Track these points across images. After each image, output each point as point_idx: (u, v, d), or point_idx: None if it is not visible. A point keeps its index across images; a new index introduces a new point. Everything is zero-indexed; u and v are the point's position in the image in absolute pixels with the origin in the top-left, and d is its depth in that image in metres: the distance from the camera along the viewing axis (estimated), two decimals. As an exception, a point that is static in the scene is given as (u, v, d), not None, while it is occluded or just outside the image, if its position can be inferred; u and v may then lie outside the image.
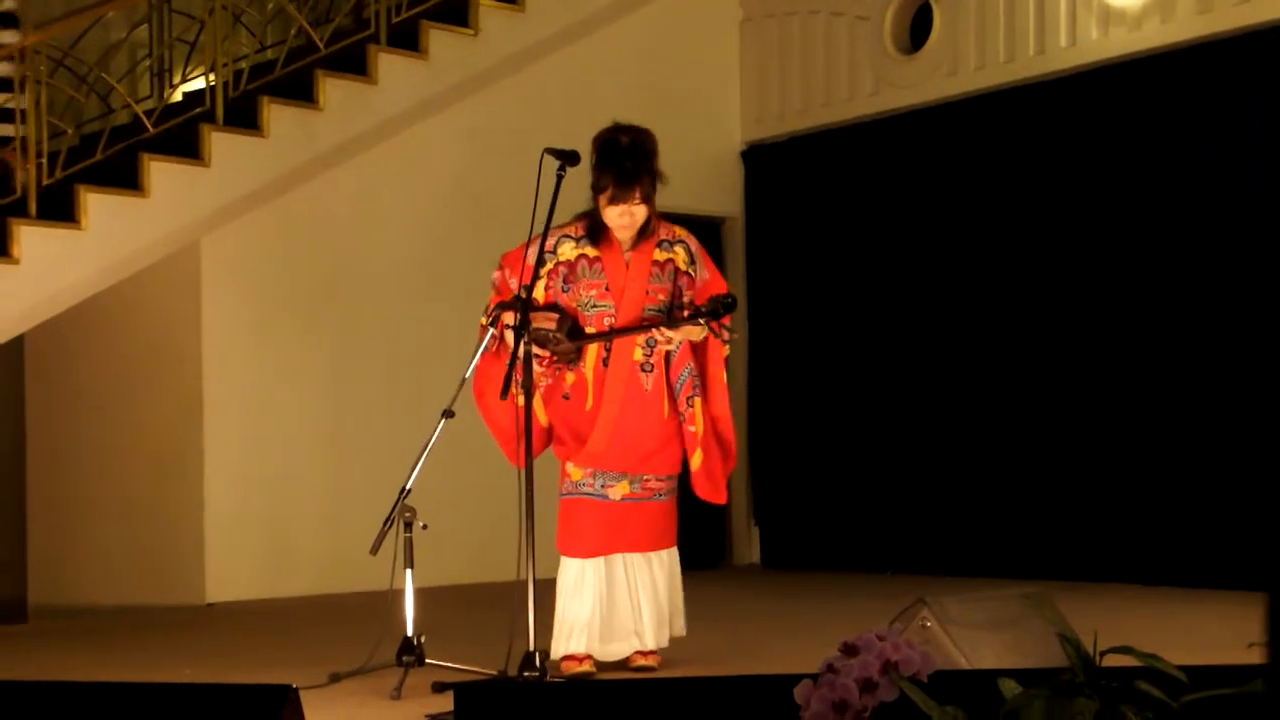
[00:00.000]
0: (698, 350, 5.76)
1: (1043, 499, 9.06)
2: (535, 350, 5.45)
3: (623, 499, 5.66)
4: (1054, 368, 9.06)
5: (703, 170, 10.60)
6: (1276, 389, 8.05)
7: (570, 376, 5.66)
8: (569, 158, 5.47)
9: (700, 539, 10.48)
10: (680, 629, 5.81)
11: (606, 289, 5.64)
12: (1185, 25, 8.55)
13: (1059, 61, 9.11)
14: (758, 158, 10.92)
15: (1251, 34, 8.29)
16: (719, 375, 5.80)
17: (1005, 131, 9.39)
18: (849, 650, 2.33)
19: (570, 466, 5.67)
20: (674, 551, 5.82)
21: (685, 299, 5.70)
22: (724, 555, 10.82)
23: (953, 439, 9.58)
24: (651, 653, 5.67)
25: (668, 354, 5.67)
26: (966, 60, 9.60)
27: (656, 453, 5.68)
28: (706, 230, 10.49)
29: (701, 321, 5.59)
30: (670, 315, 5.64)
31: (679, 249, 5.73)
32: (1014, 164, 9.32)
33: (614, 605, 5.64)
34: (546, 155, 5.37)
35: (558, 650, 5.56)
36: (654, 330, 5.57)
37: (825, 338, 10.38)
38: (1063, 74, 9.10)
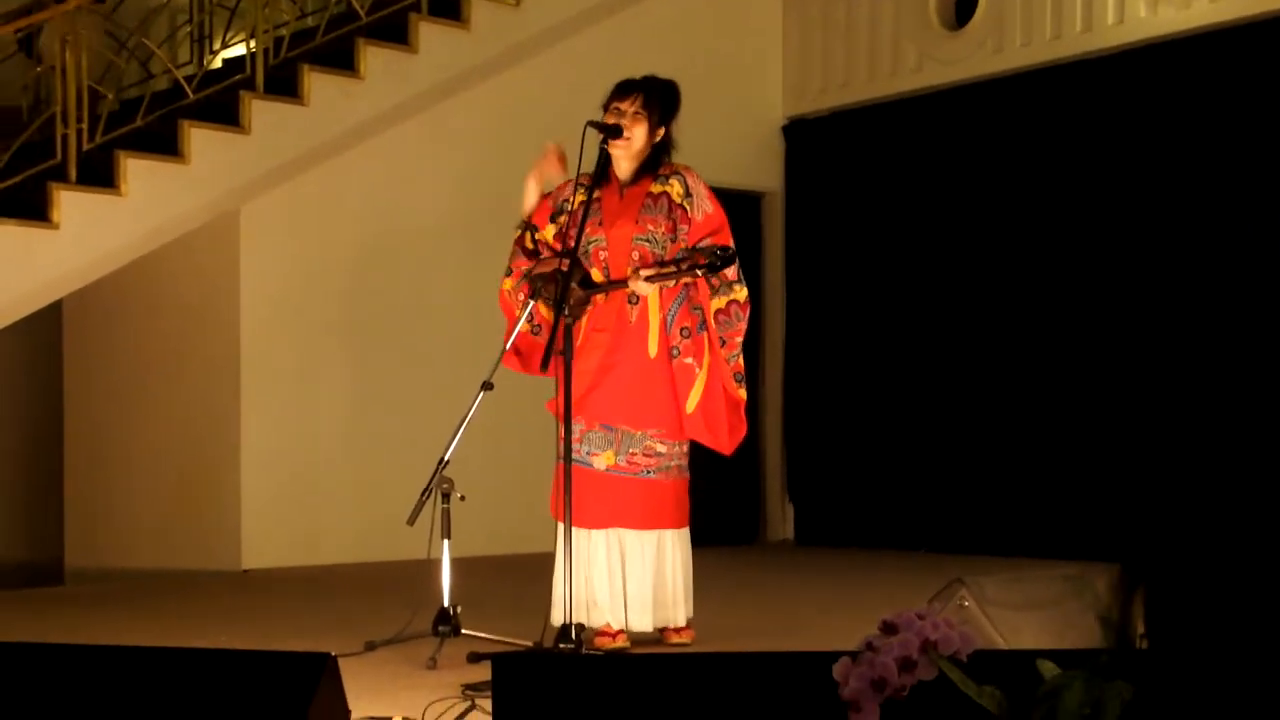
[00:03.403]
0: (692, 288, 5.56)
1: (1082, 478, 9.01)
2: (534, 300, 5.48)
3: (608, 469, 5.47)
4: (1093, 346, 9.00)
5: (743, 144, 10.56)
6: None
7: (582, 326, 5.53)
8: (611, 131, 5.46)
9: (734, 515, 10.52)
10: (681, 619, 5.55)
11: (600, 223, 5.57)
12: (1235, 4, 8.47)
13: (1106, 39, 9.03)
14: (799, 132, 10.86)
15: (1302, 13, 8.22)
16: (709, 321, 5.52)
17: (1051, 109, 9.31)
18: (888, 629, 2.32)
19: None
20: (674, 534, 5.55)
21: (678, 240, 5.53)
22: (758, 531, 10.81)
23: (990, 417, 9.54)
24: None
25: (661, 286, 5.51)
26: (1012, 37, 9.52)
27: (644, 400, 5.47)
28: (746, 204, 10.48)
29: (700, 272, 5.41)
30: (664, 261, 5.49)
31: (675, 180, 5.56)
32: (1059, 142, 9.25)
33: (593, 577, 5.46)
34: (589, 129, 5.36)
35: (556, 619, 5.25)
36: (630, 283, 5.45)
37: (862, 314, 10.34)
38: (1110, 52, 9.02)
